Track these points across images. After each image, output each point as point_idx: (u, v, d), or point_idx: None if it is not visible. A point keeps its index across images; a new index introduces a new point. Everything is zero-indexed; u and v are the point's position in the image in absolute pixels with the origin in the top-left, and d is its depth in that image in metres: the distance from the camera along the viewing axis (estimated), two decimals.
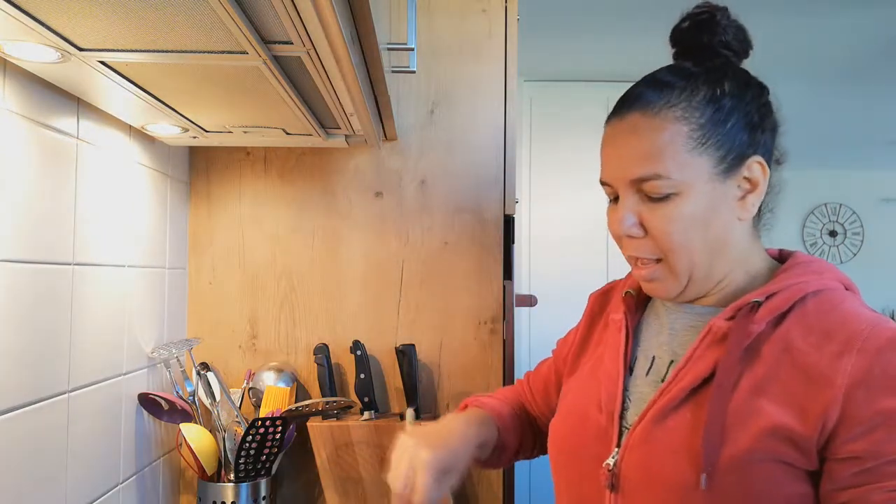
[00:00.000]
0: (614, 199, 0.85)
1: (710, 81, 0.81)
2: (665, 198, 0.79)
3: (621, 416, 0.85)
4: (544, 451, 1.09)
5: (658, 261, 0.83)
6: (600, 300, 1.03)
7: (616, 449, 0.83)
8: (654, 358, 0.87)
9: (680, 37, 0.87)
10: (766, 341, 0.78)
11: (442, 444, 0.89)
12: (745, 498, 0.73)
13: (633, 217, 0.82)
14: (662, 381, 0.84)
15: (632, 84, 0.86)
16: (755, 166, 0.81)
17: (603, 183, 0.86)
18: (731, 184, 0.81)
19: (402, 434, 0.91)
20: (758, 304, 0.79)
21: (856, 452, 0.71)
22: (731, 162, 0.80)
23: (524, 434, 1.07)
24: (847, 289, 0.83)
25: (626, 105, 0.83)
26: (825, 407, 0.72)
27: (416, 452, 0.86)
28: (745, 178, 0.81)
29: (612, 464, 0.82)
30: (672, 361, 0.85)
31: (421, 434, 0.91)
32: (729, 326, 0.79)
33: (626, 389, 0.87)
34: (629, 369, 0.89)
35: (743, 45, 0.86)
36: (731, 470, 0.73)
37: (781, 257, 0.89)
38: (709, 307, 0.86)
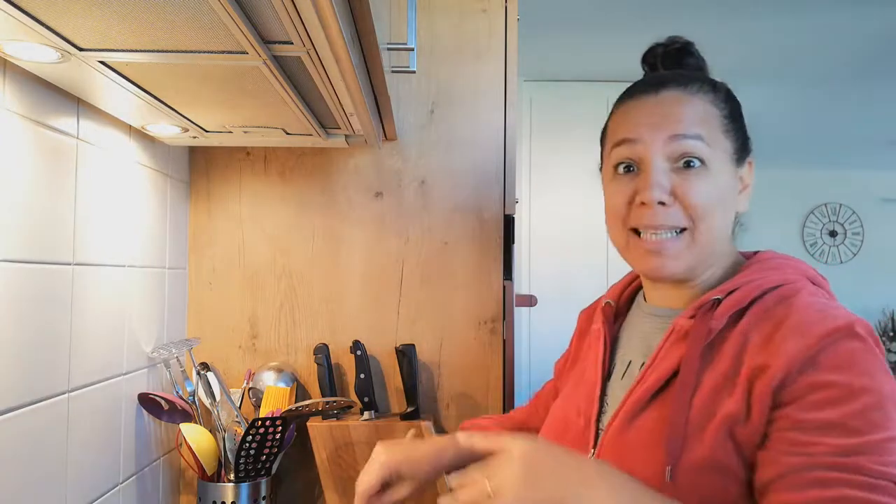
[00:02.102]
0: (626, 171, 0.86)
1: (723, 85, 0.89)
2: (697, 170, 0.82)
3: (598, 420, 0.88)
4: None
5: (681, 232, 0.83)
6: (588, 316, 1.06)
7: (592, 450, 0.85)
8: (629, 362, 0.90)
9: (655, 60, 0.93)
10: (727, 338, 0.79)
11: (403, 452, 0.92)
12: (709, 491, 0.74)
13: (667, 185, 0.83)
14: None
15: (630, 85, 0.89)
16: (747, 166, 0.89)
17: (623, 140, 0.85)
18: (737, 176, 0.87)
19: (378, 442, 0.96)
20: (718, 302, 0.81)
21: (781, 416, 0.72)
22: (740, 154, 0.87)
23: None
24: (813, 282, 0.84)
25: (658, 84, 0.86)
26: (770, 391, 0.73)
27: (377, 453, 0.92)
28: (741, 176, 0.88)
29: None
30: (643, 363, 0.87)
31: (394, 442, 0.95)
32: (691, 325, 0.81)
33: (604, 394, 0.89)
34: (608, 375, 0.91)
35: (706, 72, 0.93)
36: (695, 464, 0.75)
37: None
38: (677, 310, 0.88)
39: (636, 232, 0.85)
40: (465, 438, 0.75)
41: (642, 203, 0.83)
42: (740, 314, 0.80)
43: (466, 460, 1.02)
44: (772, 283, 0.81)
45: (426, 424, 1.42)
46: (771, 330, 0.77)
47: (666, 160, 0.83)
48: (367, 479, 0.90)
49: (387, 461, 0.91)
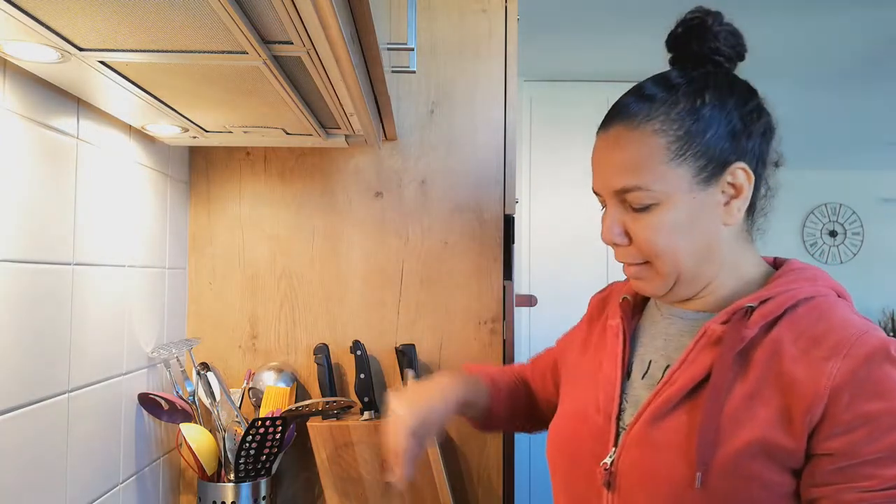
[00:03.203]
0: (605, 207, 0.89)
1: (690, 92, 0.83)
2: (646, 208, 0.82)
3: (618, 418, 0.87)
4: (539, 428, 1.15)
5: (646, 263, 0.86)
6: (600, 303, 1.06)
7: (613, 449, 0.85)
8: (650, 362, 0.89)
9: (674, 43, 0.89)
10: (758, 346, 0.79)
11: (418, 401, 0.98)
12: (737, 497, 0.75)
13: (619, 226, 0.85)
14: (657, 383, 0.86)
15: (631, 85, 0.88)
16: (739, 172, 0.83)
17: (594, 192, 0.89)
18: (713, 191, 0.82)
19: (391, 393, 1.00)
20: (751, 309, 0.80)
21: (832, 450, 0.73)
22: (713, 170, 0.82)
23: (517, 402, 1.12)
24: (840, 296, 0.85)
25: (611, 117, 0.86)
26: (809, 408, 0.73)
27: (396, 413, 0.96)
28: (730, 183, 0.83)
29: (609, 463, 0.84)
30: (668, 366, 0.87)
31: (405, 393, 1.00)
32: (723, 330, 0.81)
33: (623, 392, 0.89)
34: (626, 373, 0.91)
35: (736, 49, 0.87)
36: (725, 470, 0.75)
37: (776, 264, 0.91)
38: (702, 312, 0.88)
39: None
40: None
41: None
42: (772, 323, 0.80)
43: (474, 395, 1.04)
44: (805, 294, 0.81)
45: None
46: (808, 344, 0.77)
47: (619, 203, 0.85)
48: (399, 439, 0.93)
49: (408, 419, 0.94)
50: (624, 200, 0.84)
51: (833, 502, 0.72)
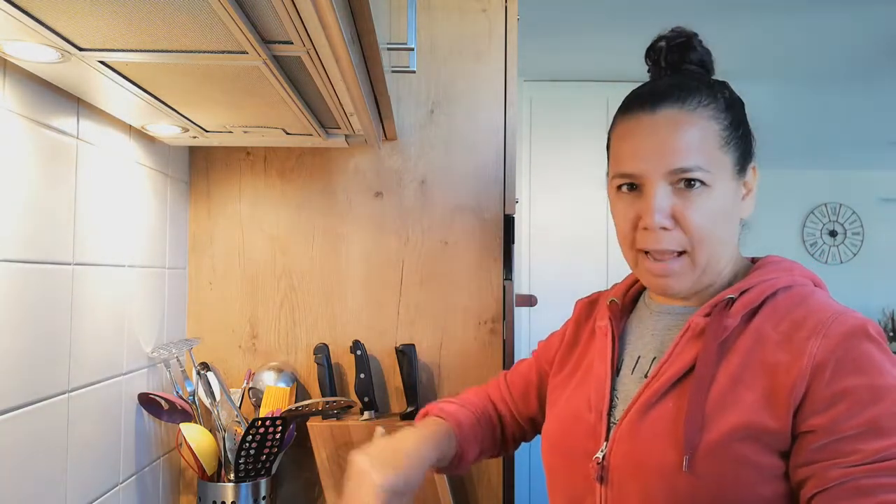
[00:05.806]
0: (629, 189, 0.87)
1: (723, 90, 0.88)
2: (699, 191, 0.83)
3: (609, 414, 0.89)
4: (508, 451, 1.14)
5: (680, 254, 0.85)
6: (587, 308, 1.07)
7: (605, 443, 0.86)
8: (639, 357, 0.91)
9: (658, 55, 0.92)
10: (740, 335, 0.82)
11: (394, 467, 0.87)
12: (726, 480, 0.76)
13: (669, 209, 0.84)
14: (646, 377, 0.88)
15: (631, 85, 0.90)
16: (751, 171, 0.89)
17: (624, 174, 0.86)
18: (741, 184, 0.88)
19: (355, 454, 0.89)
20: (732, 301, 0.83)
21: (814, 426, 0.74)
22: (743, 164, 0.87)
23: (484, 440, 1.07)
24: (816, 285, 0.88)
25: (655, 99, 0.85)
26: (792, 387, 0.75)
27: (369, 477, 0.86)
28: (744, 182, 0.89)
29: (600, 457, 0.85)
30: (655, 358, 0.89)
31: (375, 454, 0.89)
32: (706, 322, 0.83)
33: (613, 389, 0.91)
34: (616, 370, 0.92)
35: (710, 64, 0.92)
36: (711, 454, 0.76)
37: (754, 262, 0.94)
38: (690, 307, 0.90)
39: (644, 251, 0.87)
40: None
41: (645, 227, 0.85)
42: (753, 312, 0.83)
43: (444, 450, 1.00)
44: (784, 283, 0.85)
45: None
46: (790, 329, 0.79)
47: (668, 185, 0.84)
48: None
49: (383, 483, 0.85)
50: (677, 182, 0.83)
51: (819, 480, 0.73)
